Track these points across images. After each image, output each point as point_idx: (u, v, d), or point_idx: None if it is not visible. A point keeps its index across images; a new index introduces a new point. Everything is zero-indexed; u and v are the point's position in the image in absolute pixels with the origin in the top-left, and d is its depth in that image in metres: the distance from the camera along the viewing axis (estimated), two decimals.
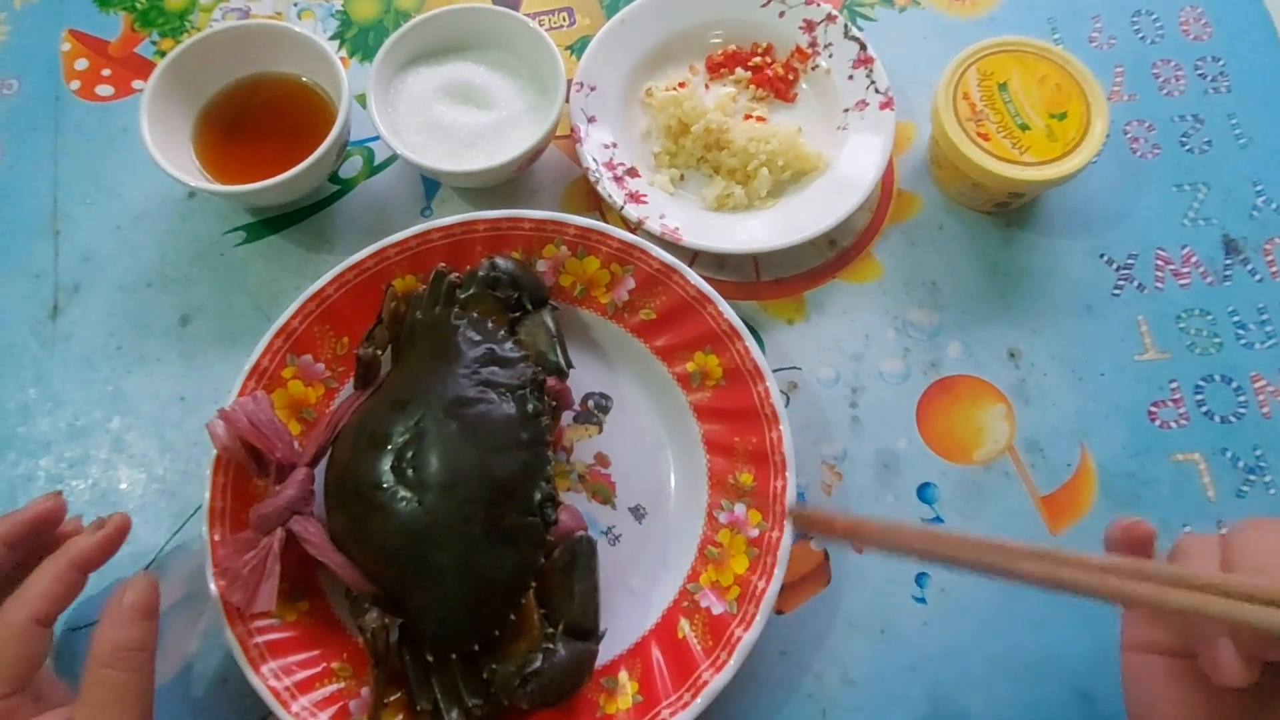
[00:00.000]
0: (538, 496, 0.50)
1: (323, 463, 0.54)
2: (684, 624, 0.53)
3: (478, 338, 0.54)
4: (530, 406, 0.52)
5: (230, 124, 0.65)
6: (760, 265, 0.65)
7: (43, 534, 0.50)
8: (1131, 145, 0.69)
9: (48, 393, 0.62)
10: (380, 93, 0.62)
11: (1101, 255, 0.66)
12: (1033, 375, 0.62)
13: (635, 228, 0.63)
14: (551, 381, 0.55)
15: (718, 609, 0.53)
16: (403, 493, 0.49)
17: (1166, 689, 0.41)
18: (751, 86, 0.70)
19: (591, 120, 0.66)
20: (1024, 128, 0.61)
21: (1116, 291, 0.65)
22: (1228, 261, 0.65)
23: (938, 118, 0.62)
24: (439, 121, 0.62)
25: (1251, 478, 0.60)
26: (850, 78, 0.68)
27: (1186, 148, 0.69)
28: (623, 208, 0.63)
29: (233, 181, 0.61)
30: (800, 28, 0.69)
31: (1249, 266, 0.65)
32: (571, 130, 0.66)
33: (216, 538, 0.53)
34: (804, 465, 0.59)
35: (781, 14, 0.70)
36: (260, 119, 0.66)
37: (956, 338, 0.63)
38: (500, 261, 0.57)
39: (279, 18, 0.73)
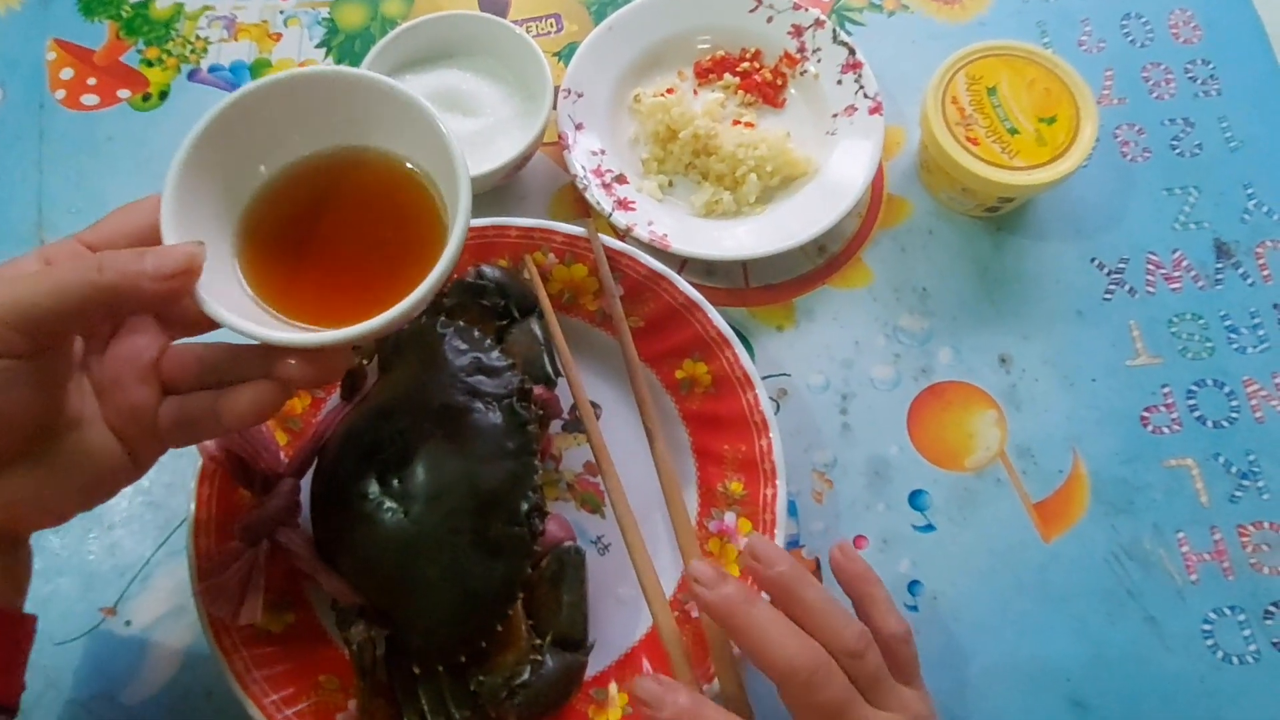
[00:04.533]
0: (525, 506, 0.50)
1: (309, 474, 0.54)
2: None
3: (464, 346, 0.53)
4: (517, 415, 0.52)
5: (293, 225, 0.44)
6: (749, 272, 0.65)
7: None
8: (1121, 149, 0.69)
9: None
10: None
11: (1092, 259, 0.65)
12: (1024, 381, 0.62)
13: (623, 235, 0.63)
14: (539, 390, 0.55)
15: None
16: (388, 504, 0.49)
17: None
18: (740, 92, 0.69)
19: (579, 127, 0.66)
20: (1013, 132, 0.61)
21: (1108, 296, 0.64)
22: (1219, 265, 0.65)
23: (926, 122, 0.62)
24: None
25: (1244, 483, 0.59)
26: (839, 83, 0.67)
27: (1177, 151, 0.69)
28: (611, 214, 0.63)
29: (294, 304, 0.42)
30: (789, 33, 0.69)
31: (1240, 270, 0.65)
32: (559, 137, 0.65)
33: (202, 550, 0.52)
34: (794, 473, 0.59)
35: (770, 19, 0.69)
36: (337, 218, 0.44)
37: (947, 343, 0.63)
38: (487, 269, 0.57)
39: (265, 25, 0.73)
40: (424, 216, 0.43)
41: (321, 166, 0.44)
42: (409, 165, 0.44)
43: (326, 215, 0.44)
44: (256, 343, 0.39)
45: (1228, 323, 0.64)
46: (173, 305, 0.39)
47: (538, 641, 0.50)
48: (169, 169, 0.39)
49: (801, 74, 0.69)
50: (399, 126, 0.42)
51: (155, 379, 0.40)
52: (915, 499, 0.59)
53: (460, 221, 0.40)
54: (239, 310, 0.38)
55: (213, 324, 0.38)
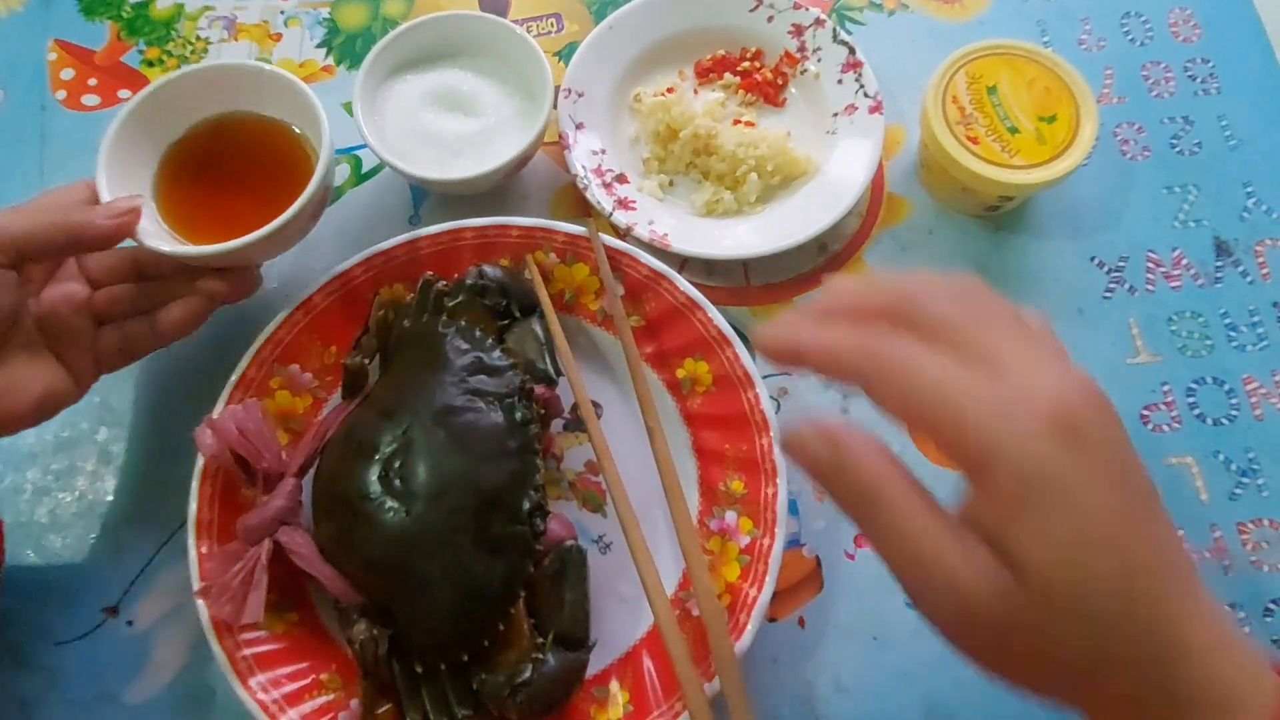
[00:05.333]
0: (526, 505, 0.50)
1: (310, 473, 0.54)
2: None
3: (465, 346, 0.54)
4: (518, 415, 0.52)
5: (196, 172, 0.58)
6: (750, 271, 0.65)
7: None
8: (1121, 147, 0.69)
9: None
10: (367, 100, 0.62)
11: (1092, 258, 0.65)
12: None
13: (624, 234, 0.63)
14: (540, 389, 0.55)
15: None
16: (390, 503, 0.49)
17: None
18: (740, 91, 0.69)
19: (580, 126, 0.66)
20: (1013, 131, 0.61)
21: (1107, 294, 0.65)
22: (1219, 263, 0.65)
23: (927, 122, 0.62)
24: (426, 129, 0.62)
25: (1244, 480, 0.59)
26: (839, 82, 0.68)
27: (1176, 150, 0.69)
28: (611, 214, 0.63)
29: (202, 234, 0.55)
30: (789, 32, 0.69)
31: (1240, 268, 0.65)
32: (560, 136, 0.65)
33: (203, 549, 0.52)
34: (795, 472, 0.59)
35: (770, 18, 0.69)
36: (230, 166, 0.58)
37: None
38: (488, 269, 0.57)
39: (265, 25, 0.73)
40: (300, 164, 0.56)
41: (215, 130, 0.58)
42: (288, 126, 0.58)
43: (223, 168, 0.58)
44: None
45: (1227, 321, 0.64)
46: (118, 241, 0.50)
47: (540, 640, 0.50)
48: (100, 148, 0.54)
49: (802, 73, 0.69)
50: (279, 98, 0.57)
51: (86, 311, 0.52)
52: None
53: (322, 165, 0.53)
54: (164, 242, 0.52)
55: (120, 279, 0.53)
